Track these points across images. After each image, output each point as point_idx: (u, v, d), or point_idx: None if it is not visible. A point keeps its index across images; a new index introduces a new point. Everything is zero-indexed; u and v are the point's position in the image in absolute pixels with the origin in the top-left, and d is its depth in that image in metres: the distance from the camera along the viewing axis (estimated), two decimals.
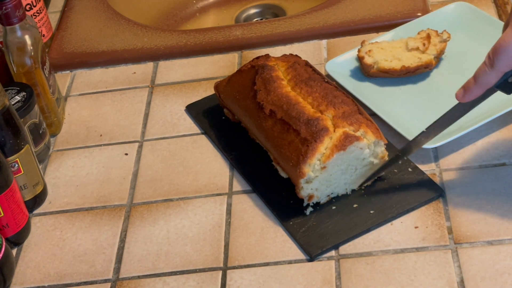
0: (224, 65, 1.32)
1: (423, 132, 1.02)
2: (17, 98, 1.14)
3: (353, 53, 1.24)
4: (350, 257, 0.98)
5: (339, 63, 1.23)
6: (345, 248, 0.99)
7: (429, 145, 1.06)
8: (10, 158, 1.06)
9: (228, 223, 1.05)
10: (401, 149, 1.04)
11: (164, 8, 1.64)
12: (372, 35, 1.31)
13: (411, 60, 1.19)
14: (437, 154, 1.09)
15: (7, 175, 1.03)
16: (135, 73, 1.34)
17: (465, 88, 0.95)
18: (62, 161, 1.20)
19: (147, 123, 1.24)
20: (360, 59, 1.21)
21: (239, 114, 1.14)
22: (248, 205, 1.07)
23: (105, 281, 1.01)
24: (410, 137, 1.07)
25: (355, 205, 1.04)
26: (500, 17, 1.30)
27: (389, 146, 1.07)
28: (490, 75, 0.92)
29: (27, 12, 1.29)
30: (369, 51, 1.20)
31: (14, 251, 1.07)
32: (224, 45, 1.35)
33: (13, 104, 1.12)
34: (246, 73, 1.13)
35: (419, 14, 1.31)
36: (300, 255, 0.99)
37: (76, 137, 1.24)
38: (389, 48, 1.21)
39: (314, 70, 1.10)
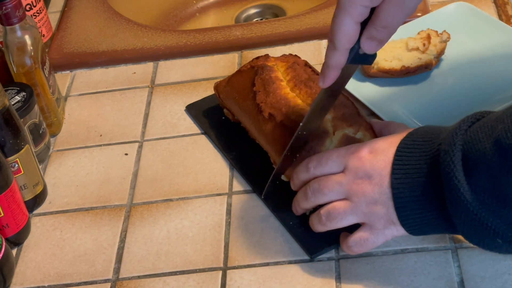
0: (224, 65, 1.32)
1: (300, 125, 0.98)
2: (17, 98, 1.14)
3: None
4: (350, 257, 0.97)
5: None
6: None
7: None
8: (10, 158, 1.06)
9: (228, 223, 1.05)
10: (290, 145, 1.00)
11: (164, 8, 1.64)
12: None
13: (411, 60, 1.19)
14: None
15: (7, 175, 1.03)
16: (135, 73, 1.34)
17: (322, 73, 0.92)
18: (62, 161, 1.20)
19: (147, 123, 1.24)
20: None
21: (239, 115, 1.14)
22: (248, 205, 1.07)
23: (105, 281, 1.01)
24: None
25: None
26: (500, 17, 1.30)
27: None
28: (336, 55, 0.90)
29: (27, 12, 1.29)
30: None
31: (14, 251, 1.07)
32: (224, 45, 1.35)
33: (13, 104, 1.12)
34: (245, 74, 1.13)
35: (419, 14, 1.31)
36: (300, 255, 0.99)
37: (76, 137, 1.23)
38: (389, 48, 1.21)
39: (314, 70, 1.10)
